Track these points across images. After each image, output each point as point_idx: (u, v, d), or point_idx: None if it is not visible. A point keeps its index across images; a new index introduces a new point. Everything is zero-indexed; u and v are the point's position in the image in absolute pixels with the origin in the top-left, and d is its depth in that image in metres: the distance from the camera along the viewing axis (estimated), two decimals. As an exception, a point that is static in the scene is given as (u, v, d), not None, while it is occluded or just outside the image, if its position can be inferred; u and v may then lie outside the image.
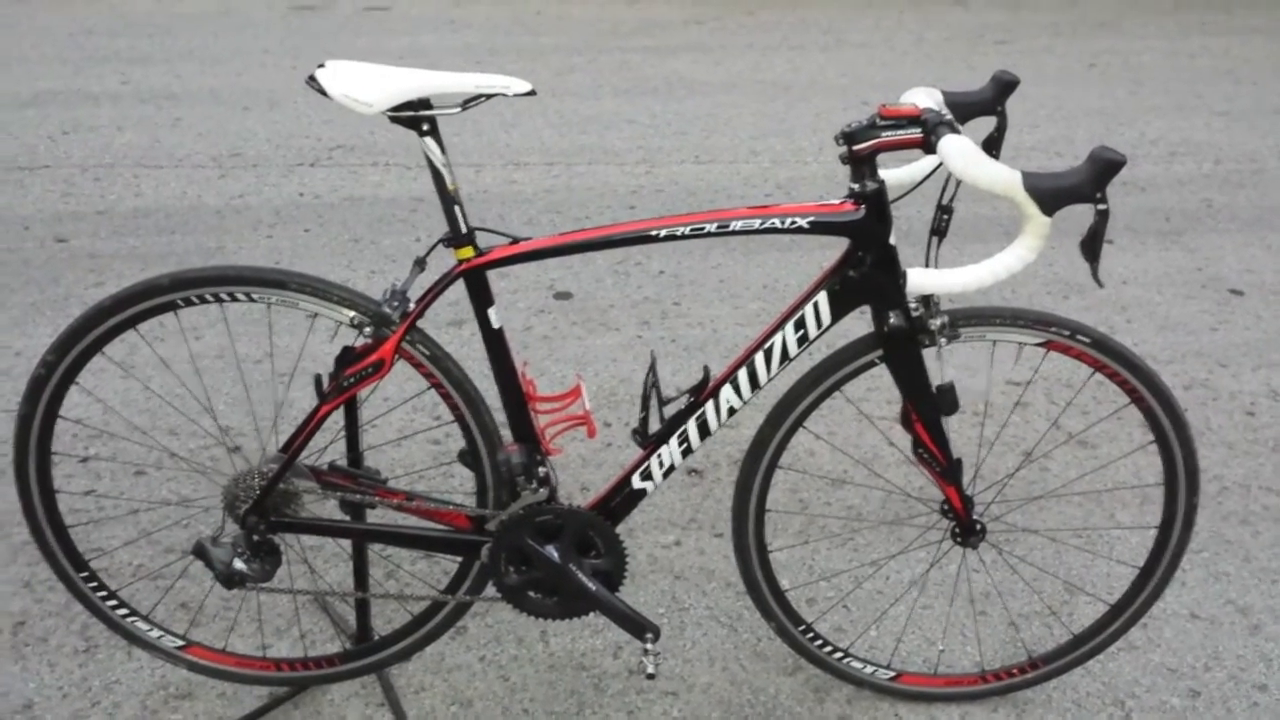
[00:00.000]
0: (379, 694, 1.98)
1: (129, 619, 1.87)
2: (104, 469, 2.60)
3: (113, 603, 1.85)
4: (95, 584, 1.83)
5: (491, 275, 1.65)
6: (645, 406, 1.77)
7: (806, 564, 2.37)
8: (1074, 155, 5.10)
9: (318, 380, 1.71)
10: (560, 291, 3.66)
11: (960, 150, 1.43)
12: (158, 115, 5.54)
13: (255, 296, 1.65)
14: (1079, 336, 1.70)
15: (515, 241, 1.65)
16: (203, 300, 1.65)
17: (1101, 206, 1.41)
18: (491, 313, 1.68)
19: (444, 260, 1.63)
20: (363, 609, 1.96)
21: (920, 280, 1.55)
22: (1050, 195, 1.41)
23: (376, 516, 1.87)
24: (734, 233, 1.61)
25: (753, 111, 5.95)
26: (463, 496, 1.86)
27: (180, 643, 1.90)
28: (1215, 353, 3.37)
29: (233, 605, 2.15)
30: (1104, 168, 1.40)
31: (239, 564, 1.73)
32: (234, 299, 1.65)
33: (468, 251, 1.64)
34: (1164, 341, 3.43)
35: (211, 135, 5.26)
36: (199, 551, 1.75)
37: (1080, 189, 1.41)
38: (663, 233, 1.61)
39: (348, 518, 1.85)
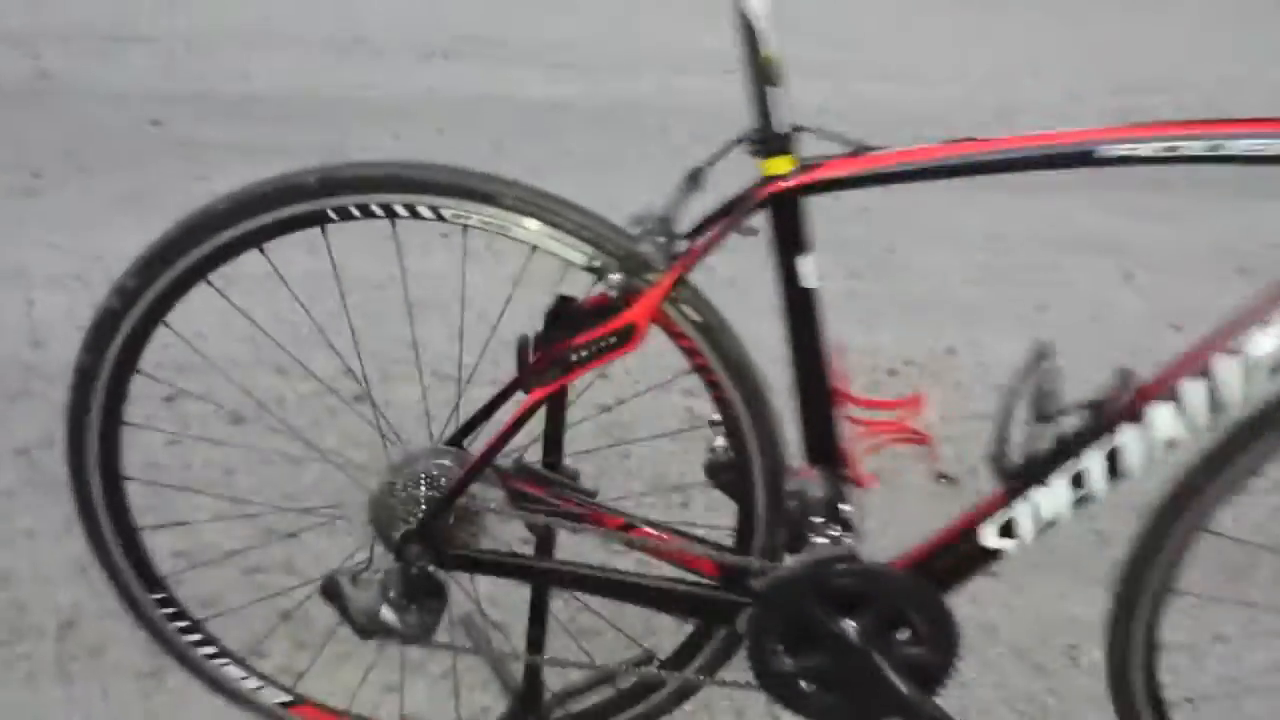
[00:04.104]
0: (553, 783, 1.40)
1: (216, 661, 1.30)
2: (192, 412, 2.05)
3: (196, 636, 1.29)
4: (173, 609, 1.27)
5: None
6: (1005, 422, 1.13)
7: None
8: None
9: (522, 347, 1.11)
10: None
11: None
12: (273, -15, 4.97)
13: (445, 214, 1.05)
14: None
15: (859, 153, 1.02)
16: (366, 213, 1.05)
17: None
18: (803, 264, 1.06)
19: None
20: (533, 670, 1.37)
21: None
22: None
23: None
24: (1232, 159, 0.97)
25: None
26: (703, 528, 1.25)
27: (287, 698, 1.34)
28: None
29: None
30: None
31: (387, 614, 1.15)
32: (414, 214, 1.05)
33: (783, 163, 1.02)
34: None
35: (330, 12, 4.68)
36: (330, 591, 1.17)
37: None
38: (1118, 151, 0.97)
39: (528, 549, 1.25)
